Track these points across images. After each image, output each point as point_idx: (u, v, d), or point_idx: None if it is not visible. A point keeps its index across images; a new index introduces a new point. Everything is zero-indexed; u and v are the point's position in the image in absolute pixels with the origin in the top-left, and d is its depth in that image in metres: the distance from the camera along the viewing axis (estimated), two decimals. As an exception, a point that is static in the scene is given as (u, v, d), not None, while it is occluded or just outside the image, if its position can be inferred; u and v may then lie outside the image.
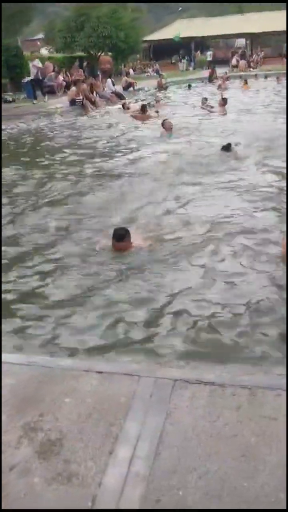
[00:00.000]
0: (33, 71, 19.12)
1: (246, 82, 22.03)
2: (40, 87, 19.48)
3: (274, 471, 1.84)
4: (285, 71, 23.15)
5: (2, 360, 2.69)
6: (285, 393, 2.24)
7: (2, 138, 12.50)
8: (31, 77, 19.41)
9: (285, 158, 7.68)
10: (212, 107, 15.17)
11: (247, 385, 2.34)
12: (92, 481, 1.85)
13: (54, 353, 3.12)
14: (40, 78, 19.24)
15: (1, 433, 2.08)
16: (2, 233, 5.45)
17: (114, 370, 2.54)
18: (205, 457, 1.93)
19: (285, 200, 5.84)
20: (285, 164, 7.44)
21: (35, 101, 18.48)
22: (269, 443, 1.97)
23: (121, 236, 4.59)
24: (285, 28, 28.72)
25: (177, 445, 1.99)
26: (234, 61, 32.88)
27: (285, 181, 6.64)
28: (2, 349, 2.96)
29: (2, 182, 7.76)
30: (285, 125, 10.00)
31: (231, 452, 1.94)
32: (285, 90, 16.61)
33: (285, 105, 12.72)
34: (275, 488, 1.77)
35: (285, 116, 11.04)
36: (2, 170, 8.49)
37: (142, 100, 18.15)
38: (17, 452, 2.02)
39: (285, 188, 6.31)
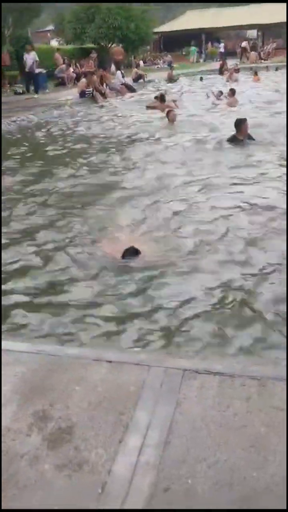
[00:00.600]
0: (28, 63, 18.34)
1: (256, 74, 21.78)
2: (34, 81, 18.83)
3: (284, 461, 1.84)
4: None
5: (12, 349, 2.71)
6: (295, 384, 2.23)
7: (12, 129, 12.56)
8: (26, 70, 18.76)
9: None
10: (221, 95, 15.13)
11: (256, 375, 2.33)
12: (102, 469, 1.86)
13: (63, 342, 3.13)
14: (36, 72, 18.53)
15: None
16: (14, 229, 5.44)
17: (123, 360, 2.54)
18: (214, 447, 1.93)
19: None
20: None
21: (27, 96, 17.92)
22: (278, 434, 1.97)
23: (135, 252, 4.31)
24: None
25: (187, 434, 2.00)
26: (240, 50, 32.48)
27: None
28: (13, 338, 2.99)
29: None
30: None
31: (241, 442, 1.94)
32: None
33: None
34: (285, 478, 1.76)
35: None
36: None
37: (159, 90, 17.96)
38: (27, 439, 2.03)
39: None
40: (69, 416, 2.13)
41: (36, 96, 17.91)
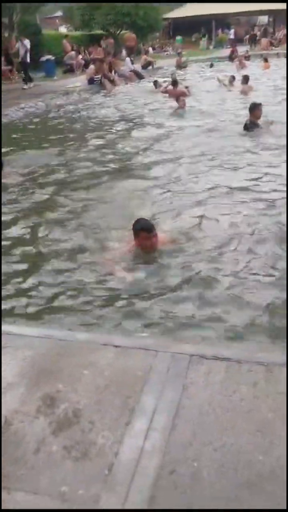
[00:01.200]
0: (21, 53, 16.96)
1: (266, 60, 21.39)
2: (24, 71, 17.50)
3: (290, 446, 1.85)
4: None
5: (22, 333, 2.74)
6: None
7: (20, 115, 12.56)
8: (19, 60, 17.48)
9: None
10: (233, 80, 15.00)
11: (263, 361, 2.34)
12: (109, 451, 1.88)
13: (72, 328, 3.15)
14: (28, 60, 16.95)
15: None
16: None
17: (131, 345, 2.56)
18: (221, 431, 1.94)
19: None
20: None
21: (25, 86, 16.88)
22: (285, 419, 1.98)
23: (150, 226, 3.86)
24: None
25: (193, 418, 2.01)
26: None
27: None
28: (20, 322, 3.01)
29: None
30: None
31: (247, 427, 1.95)
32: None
33: None
34: (291, 462, 1.78)
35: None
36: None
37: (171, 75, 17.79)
38: (36, 421, 2.06)
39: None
40: (77, 400, 2.16)
41: (26, 86, 16.88)
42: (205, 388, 2.18)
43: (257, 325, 3.18)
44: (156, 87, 15.56)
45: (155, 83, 15.99)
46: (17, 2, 17.27)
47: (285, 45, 30.99)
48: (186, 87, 14.33)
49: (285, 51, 26.17)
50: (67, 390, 2.22)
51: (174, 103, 11.96)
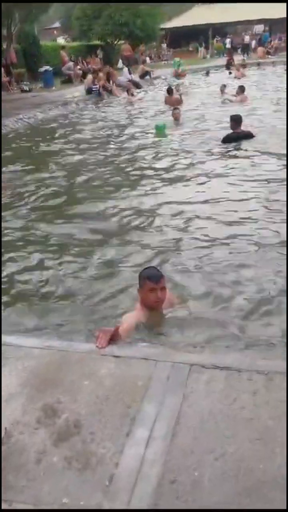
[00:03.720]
0: None
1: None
2: None
3: (291, 454, 1.85)
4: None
5: (23, 344, 2.74)
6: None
7: (19, 127, 12.62)
8: None
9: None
10: (224, 88, 15.16)
11: (263, 370, 2.34)
12: (110, 461, 1.88)
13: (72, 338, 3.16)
14: None
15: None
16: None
17: (131, 355, 2.56)
18: (221, 439, 1.95)
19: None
20: None
21: None
22: (285, 427, 1.98)
23: (158, 276, 3.18)
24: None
25: (194, 427, 2.02)
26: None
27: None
28: (22, 333, 3.02)
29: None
30: None
31: (248, 435, 1.96)
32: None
33: None
34: (292, 471, 1.78)
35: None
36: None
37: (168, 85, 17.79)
38: (36, 432, 2.06)
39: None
40: (78, 410, 2.16)
41: None
42: (205, 397, 2.19)
43: (258, 332, 3.19)
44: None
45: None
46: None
47: (282, 53, 31.26)
48: (180, 95, 14.43)
49: (281, 60, 26.40)
50: (68, 401, 2.22)
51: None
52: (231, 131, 8.48)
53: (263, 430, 1.98)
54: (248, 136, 8.42)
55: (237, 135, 8.36)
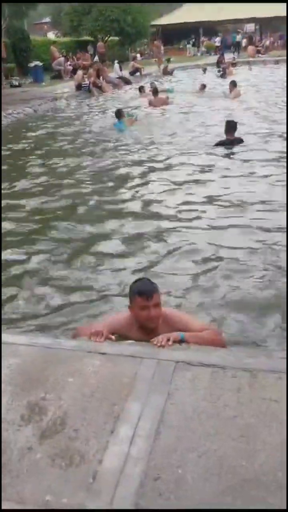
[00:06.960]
0: None
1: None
2: None
3: (273, 451, 1.87)
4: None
5: (8, 340, 2.73)
6: (285, 376, 2.26)
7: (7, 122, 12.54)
8: None
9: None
10: (204, 88, 15.47)
11: (248, 368, 2.36)
12: (93, 458, 1.88)
13: (58, 335, 3.16)
14: None
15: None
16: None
17: (117, 352, 2.56)
18: (205, 436, 1.96)
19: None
20: None
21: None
22: (269, 425, 2.00)
23: (150, 291, 2.73)
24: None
25: (178, 425, 2.02)
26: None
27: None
28: (8, 330, 3.01)
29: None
30: None
31: (231, 433, 1.97)
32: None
33: None
34: (274, 468, 1.79)
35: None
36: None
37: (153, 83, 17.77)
38: (21, 429, 2.05)
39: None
40: (62, 407, 2.16)
41: None
42: (190, 394, 2.20)
43: (242, 330, 3.22)
44: (140, 93, 15.56)
45: (140, 89, 15.99)
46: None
47: (272, 52, 31.38)
48: (167, 96, 14.22)
49: (272, 59, 26.52)
50: (53, 398, 2.22)
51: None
52: (223, 134, 8.52)
53: (246, 428, 1.99)
54: (240, 141, 8.48)
55: (230, 142, 8.40)
